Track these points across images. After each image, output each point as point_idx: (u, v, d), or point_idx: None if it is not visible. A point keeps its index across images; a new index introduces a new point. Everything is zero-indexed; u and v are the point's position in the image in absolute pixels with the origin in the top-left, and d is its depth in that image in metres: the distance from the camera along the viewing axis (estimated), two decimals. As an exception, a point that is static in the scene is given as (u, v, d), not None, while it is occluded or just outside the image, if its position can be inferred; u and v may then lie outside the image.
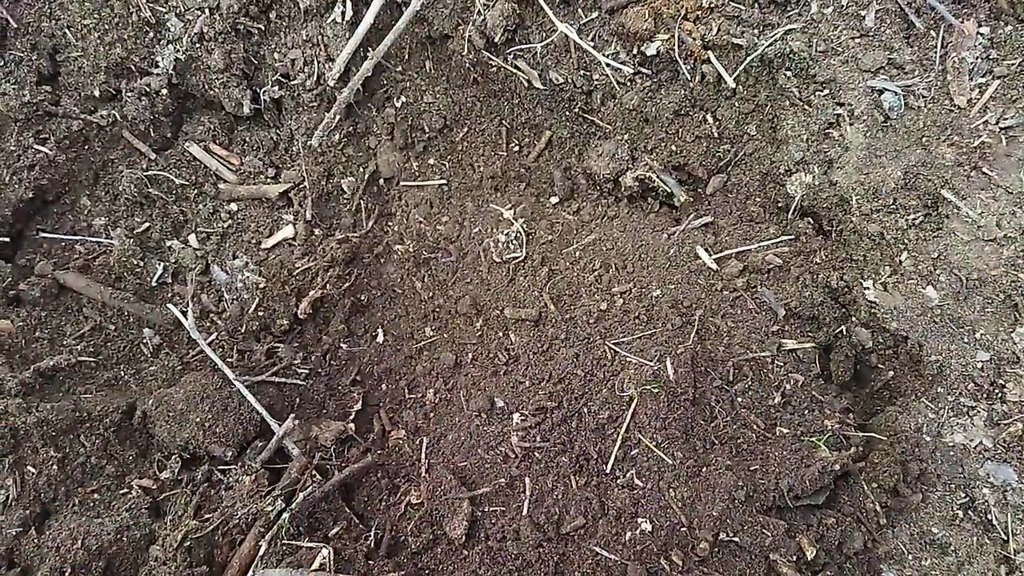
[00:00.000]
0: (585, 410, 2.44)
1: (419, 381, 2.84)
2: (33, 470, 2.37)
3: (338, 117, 2.99)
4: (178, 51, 2.91)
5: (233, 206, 3.09)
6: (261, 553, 2.22)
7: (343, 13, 2.95)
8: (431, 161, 3.22)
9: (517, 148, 3.22)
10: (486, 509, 2.39)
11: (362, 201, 3.17)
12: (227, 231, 3.05)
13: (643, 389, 2.34)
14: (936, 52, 2.55)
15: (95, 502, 2.41)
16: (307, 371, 2.84)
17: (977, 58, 2.48)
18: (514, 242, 2.97)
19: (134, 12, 2.88)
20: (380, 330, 2.97)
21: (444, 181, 3.19)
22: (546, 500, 2.35)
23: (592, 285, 2.78)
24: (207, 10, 2.88)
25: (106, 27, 2.87)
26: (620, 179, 2.97)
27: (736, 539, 2.09)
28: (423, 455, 2.62)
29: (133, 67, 2.94)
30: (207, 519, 2.31)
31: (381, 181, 3.22)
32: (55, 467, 2.39)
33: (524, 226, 2.99)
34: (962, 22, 2.50)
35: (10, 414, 2.37)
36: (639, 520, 2.20)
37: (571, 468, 2.37)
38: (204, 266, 2.96)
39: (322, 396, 2.82)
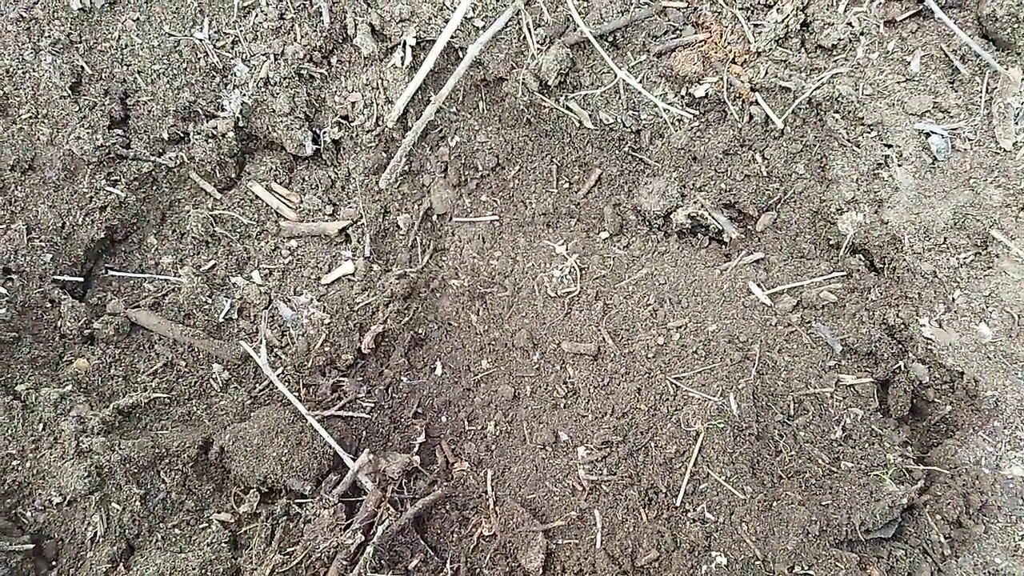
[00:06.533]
0: (652, 444, 2.52)
1: (478, 413, 2.92)
2: (118, 507, 2.44)
3: (403, 160, 3.10)
4: (244, 95, 3.01)
5: (293, 243, 3.18)
6: (347, 586, 2.29)
7: (402, 58, 3.06)
8: (483, 198, 3.32)
9: (567, 185, 3.32)
10: (560, 542, 2.47)
11: (417, 237, 3.27)
12: (288, 267, 3.14)
13: (709, 424, 2.43)
14: (981, 97, 2.66)
15: (176, 537, 2.48)
16: (371, 404, 2.93)
17: (1022, 103, 2.59)
18: (568, 277, 3.06)
19: (202, 58, 2.98)
20: (439, 363, 3.05)
21: (496, 217, 3.28)
22: (618, 533, 2.43)
23: (648, 319, 2.87)
24: (272, 56, 2.99)
25: (175, 72, 2.97)
26: (671, 216, 3.07)
27: (811, 572, 2.17)
28: (489, 487, 2.69)
29: (200, 110, 3.04)
30: (290, 552, 2.39)
31: (435, 217, 3.32)
32: (138, 503, 2.46)
33: (577, 261, 3.09)
34: (1007, 69, 2.62)
35: (95, 452, 2.45)
36: (713, 553, 2.28)
37: (640, 501, 2.45)
38: (267, 302, 3.05)
39: (386, 429, 2.90)
